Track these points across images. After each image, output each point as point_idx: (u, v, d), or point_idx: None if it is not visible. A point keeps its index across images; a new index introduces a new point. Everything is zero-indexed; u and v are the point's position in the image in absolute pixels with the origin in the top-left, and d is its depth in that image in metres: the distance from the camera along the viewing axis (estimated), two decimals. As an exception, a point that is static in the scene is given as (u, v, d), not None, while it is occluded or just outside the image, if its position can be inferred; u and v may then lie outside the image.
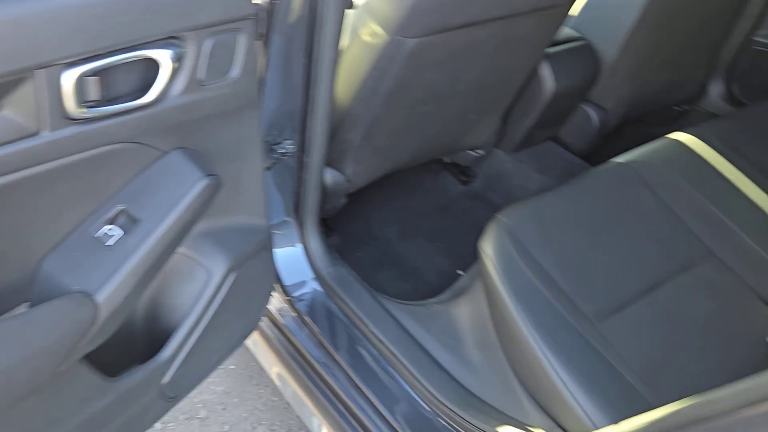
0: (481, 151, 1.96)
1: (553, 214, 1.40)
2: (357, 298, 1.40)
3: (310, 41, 1.15)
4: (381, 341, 1.31)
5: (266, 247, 1.18)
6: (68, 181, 0.79)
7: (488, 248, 1.30)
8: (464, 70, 1.48)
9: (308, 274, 1.46)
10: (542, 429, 1.11)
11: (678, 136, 1.69)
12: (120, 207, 0.86)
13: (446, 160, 2.06)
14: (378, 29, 1.28)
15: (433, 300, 1.46)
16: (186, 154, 0.91)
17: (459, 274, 1.78)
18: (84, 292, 0.82)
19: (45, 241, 0.83)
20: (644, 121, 2.28)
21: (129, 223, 0.86)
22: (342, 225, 1.86)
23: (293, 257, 1.46)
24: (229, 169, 1.00)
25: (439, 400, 1.20)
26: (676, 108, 2.34)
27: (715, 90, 2.34)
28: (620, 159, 1.58)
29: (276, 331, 1.44)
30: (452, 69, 1.45)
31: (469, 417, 1.16)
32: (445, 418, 1.18)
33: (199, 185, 0.89)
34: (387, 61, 1.31)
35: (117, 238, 0.84)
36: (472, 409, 1.17)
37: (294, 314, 1.40)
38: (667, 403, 0.86)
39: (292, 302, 1.41)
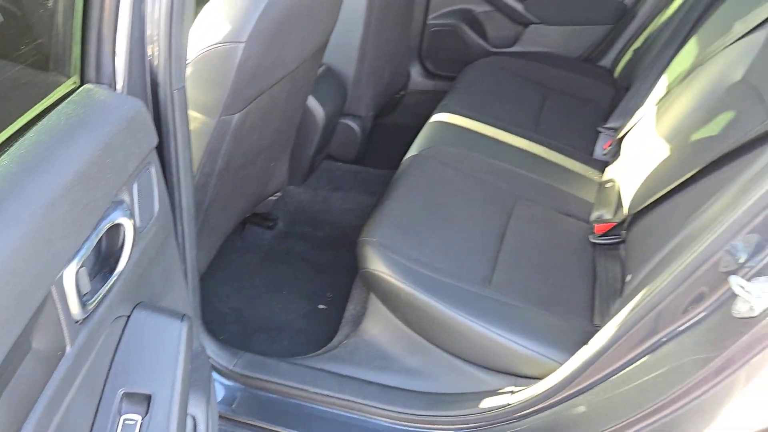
0: (279, 194, 2.03)
1: (401, 216, 1.56)
2: (278, 372, 1.39)
3: (161, 148, 1.11)
4: (327, 395, 1.34)
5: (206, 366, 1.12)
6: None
7: (377, 266, 1.41)
8: (267, 124, 1.54)
9: (216, 377, 1.40)
10: (507, 386, 1.29)
11: (437, 117, 1.99)
12: (121, 391, 0.77)
13: (247, 213, 2.08)
14: (200, 116, 1.27)
15: (338, 338, 1.52)
16: (148, 309, 0.84)
17: (321, 308, 1.86)
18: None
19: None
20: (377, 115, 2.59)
21: (141, 403, 0.77)
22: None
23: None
24: (165, 304, 0.94)
25: (410, 414, 1.29)
26: (396, 95, 2.69)
27: (416, 71, 2.75)
28: (413, 152, 1.82)
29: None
30: (260, 127, 1.50)
31: (442, 413, 1.28)
32: (424, 425, 1.28)
33: (182, 332, 0.84)
34: (216, 142, 1.31)
35: (140, 425, 0.76)
36: (442, 405, 1.29)
37: (230, 422, 1.34)
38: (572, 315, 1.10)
39: (219, 414, 1.34)
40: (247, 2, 1.23)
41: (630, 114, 2.00)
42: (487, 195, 1.71)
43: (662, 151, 1.54)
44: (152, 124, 0.89)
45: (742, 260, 0.92)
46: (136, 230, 0.79)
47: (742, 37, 1.42)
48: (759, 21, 1.38)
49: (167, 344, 0.82)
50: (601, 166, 1.93)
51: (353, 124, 2.21)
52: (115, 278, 0.73)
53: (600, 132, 2.05)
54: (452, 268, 1.43)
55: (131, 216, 0.76)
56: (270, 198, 2.02)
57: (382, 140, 2.54)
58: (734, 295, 0.91)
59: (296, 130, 1.93)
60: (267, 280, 1.95)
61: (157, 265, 0.92)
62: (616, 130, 2.00)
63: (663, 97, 1.68)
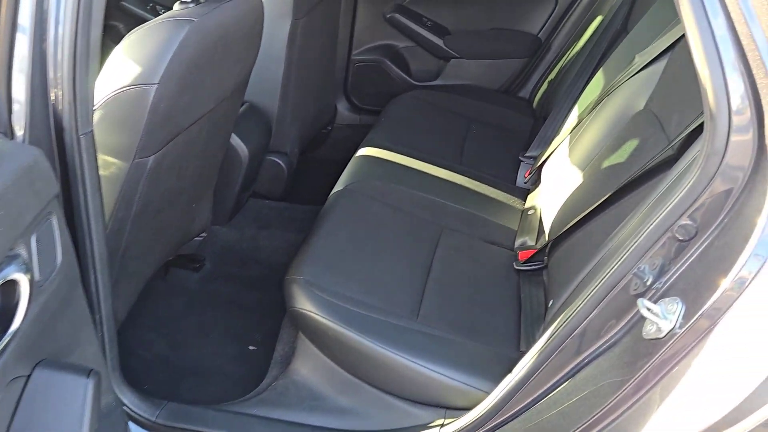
0: (203, 234, 1.98)
1: (327, 252, 1.56)
2: (204, 421, 1.34)
3: (68, 195, 1.07)
4: (257, 443, 1.30)
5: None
6: None
7: (303, 305, 1.39)
8: (185, 165, 1.51)
9: (138, 431, 1.34)
10: (438, 419, 1.28)
11: (363, 152, 2.01)
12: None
13: (169, 256, 2.02)
14: (113, 160, 1.23)
15: (267, 380, 1.49)
16: (50, 367, 0.80)
17: (252, 349, 1.81)
18: None
19: None
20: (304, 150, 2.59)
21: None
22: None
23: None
24: (73, 360, 0.90)
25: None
26: (323, 131, 2.70)
27: (342, 105, 2.78)
28: (339, 187, 1.82)
29: None
30: (177, 168, 1.47)
31: (374, 452, 1.26)
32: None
33: (89, 389, 0.80)
34: (131, 186, 1.27)
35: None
36: (373, 444, 1.27)
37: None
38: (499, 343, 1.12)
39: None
40: (159, 43, 1.21)
41: (547, 142, 2.07)
42: (413, 227, 1.73)
43: (577, 178, 1.60)
44: (52, 172, 0.85)
45: (648, 282, 0.96)
46: (35, 284, 0.76)
47: (643, 68, 1.50)
48: (657, 53, 1.46)
49: (71, 404, 0.78)
50: (524, 194, 1.99)
51: (279, 161, 2.20)
52: (8, 338, 0.69)
53: (521, 161, 2.11)
54: (379, 302, 1.42)
55: (28, 270, 0.72)
56: (195, 239, 1.98)
57: (310, 175, 2.54)
58: (643, 317, 0.94)
59: (219, 169, 1.90)
60: (194, 323, 1.89)
61: (63, 319, 0.87)
62: (536, 158, 2.07)
63: (576, 126, 1.75)
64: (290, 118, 2.16)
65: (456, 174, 1.98)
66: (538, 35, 2.57)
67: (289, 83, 2.08)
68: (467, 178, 1.97)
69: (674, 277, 0.93)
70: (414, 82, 2.69)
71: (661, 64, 1.47)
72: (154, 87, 1.19)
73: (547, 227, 1.67)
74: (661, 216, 0.94)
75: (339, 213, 1.71)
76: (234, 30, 1.42)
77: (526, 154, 2.11)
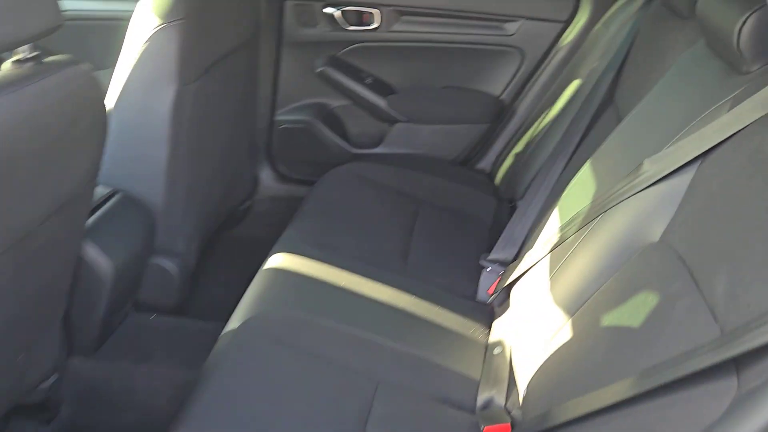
0: (54, 376, 1.44)
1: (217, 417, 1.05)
2: None
3: None
4: None
5: None
6: None
7: None
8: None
9: None
10: None
11: (274, 261, 1.51)
12: None
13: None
14: None
15: None
16: None
17: None
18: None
19: None
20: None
21: None
22: None
23: None
24: None
25: None
26: (241, 207, 2.19)
27: (266, 174, 2.28)
28: (236, 321, 1.31)
29: None
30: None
31: None
32: None
33: None
34: None
35: None
36: None
37: None
38: None
39: None
40: None
41: (516, 244, 1.62)
42: (337, 382, 1.23)
43: (563, 329, 1.13)
44: None
45: None
46: None
47: (656, 183, 1.05)
48: (679, 163, 1.01)
49: None
50: (487, 316, 1.51)
51: (169, 264, 1.67)
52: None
53: (483, 267, 1.64)
54: None
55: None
56: (40, 386, 1.43)
57: (221, 266, 2.03)
58: None
59: (71, 294, 1.37)
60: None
61: None
62: (500, 262, 1.61)
63: (557, 245, 1.28)
64: (182, 208, 1.64)
65: (399, 292, 1.49)
66: (501, 97, 2.13)
67: (178, 164, 1.57)
68: (414, 298, 1.48)
69: None
70: (351, 149, 2.21)
71: (680, 181, 1.02)
72: None
73: (521, 384, 1.20)
74: None
75: (232, 364, 1.21)
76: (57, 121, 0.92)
77: (490, 258, 1.64)
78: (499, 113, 2.12)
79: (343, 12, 2.07)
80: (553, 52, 2.00)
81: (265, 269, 1.50)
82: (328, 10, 2.05)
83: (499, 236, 1.76)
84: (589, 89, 1.69)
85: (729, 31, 0.98)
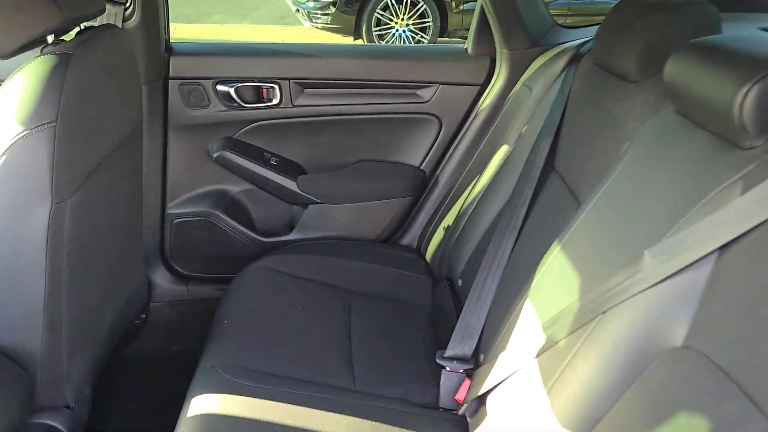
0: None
1: None
2: None
3: None
4: None
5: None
6: None
7: None
8: None
9: None
10: None
11: (195, 409, 1.21)
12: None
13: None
14: None
15: None
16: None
17: None
18: None
19: None
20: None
21: None
22: None
23: None
24: None
25: None
26: (136, 321, 1.84)
27: (161, 277, 1.96)
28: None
29: None
30: None
31: None
32: None
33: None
34: None
35: None
36: None
37: None
38: None
39: None
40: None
41: (474, 335, 1.44)
42: None
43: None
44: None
45: None
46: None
47: (663, 280, 0.90)
48: (692, 258, 0.87)
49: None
50: (460, 429, 1.30)
51: (56, 421, 1.31)
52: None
53: (442, 366, 1.43)
54: None
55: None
56: None
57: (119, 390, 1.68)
58: None
59: None
60: None
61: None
62: (460, 359, 1.42)
63: (545, 349, 1.10)
64: (67, 352, 1.30)
65: (353, 418, 1.25)
66: (421, 167, 1.97)
67: (59, 300, 1.24)
68: (372, 424, 1.25)
69: None
70: (260, 238, 1.95)
71: (700, 273, 0.88)
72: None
73: None
74: None
75: None
76: None
77: (447, 355, 1.44)
78: (421, 184, 1.96)
79: (236, 89, 1.83)
80: (472, 116, 1.88)
81: (189, 418, 1.20)
82: (221, 87, 1.81)
83: (443, 321, 1.58)
84: (521, 156, 1.57)
85: (726, 102, 0.87)
